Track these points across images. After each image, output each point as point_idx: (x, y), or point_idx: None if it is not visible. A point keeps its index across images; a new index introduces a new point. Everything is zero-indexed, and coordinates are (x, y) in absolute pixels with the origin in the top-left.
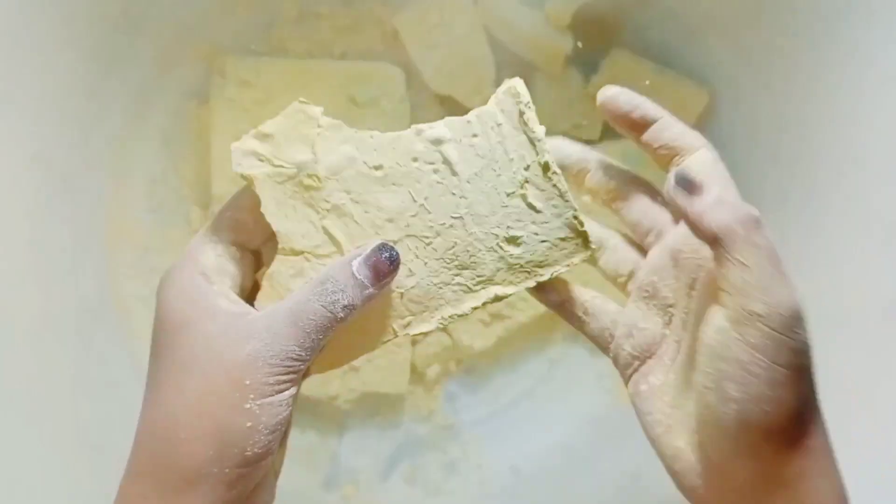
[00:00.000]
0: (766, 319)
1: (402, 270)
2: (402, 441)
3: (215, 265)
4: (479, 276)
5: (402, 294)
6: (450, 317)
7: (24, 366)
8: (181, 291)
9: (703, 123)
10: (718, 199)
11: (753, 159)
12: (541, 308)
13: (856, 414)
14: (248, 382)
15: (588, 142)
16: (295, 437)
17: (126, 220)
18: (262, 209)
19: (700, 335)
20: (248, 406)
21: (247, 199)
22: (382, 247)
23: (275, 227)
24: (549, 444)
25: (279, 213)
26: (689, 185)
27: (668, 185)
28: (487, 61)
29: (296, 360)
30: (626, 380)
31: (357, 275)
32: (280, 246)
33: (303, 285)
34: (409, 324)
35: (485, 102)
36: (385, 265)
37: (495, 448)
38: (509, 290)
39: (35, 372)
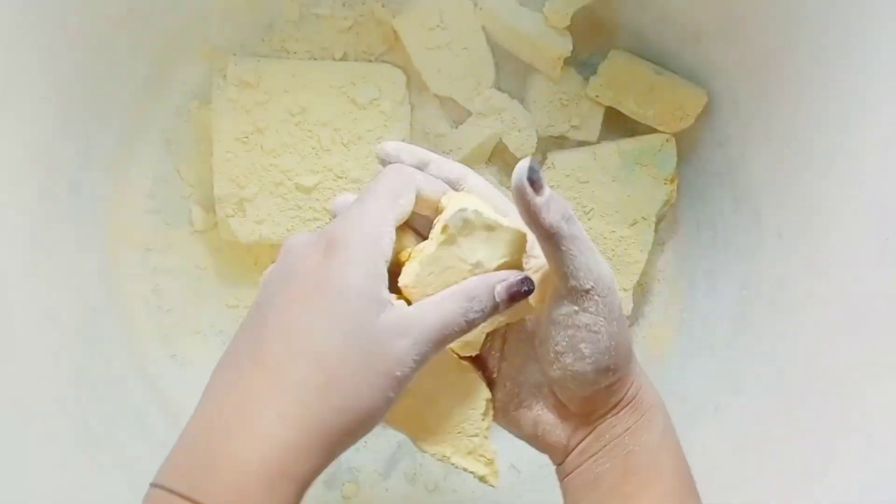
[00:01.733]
0: (596, 290)
1: (447, 392)
2: (402, 440)
3: (389, 250)
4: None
5: (437, 412)
6: (445, 456)
7: (26, 365)
8: (367, 274)
9: (702, 124)
10: (550, 198)
11: (751, 159)
12: None
13: (856, 414)
14: (398, 374)
15: (586, 143)
16: None
17: (128, 221)
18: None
19: (547, 315)
20: (391, 395)
21: (413, 195)
22: (525, 279)
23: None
24: None
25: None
26: (535, 184)
27: (519, 180)
28: (487, 62)
29: (424, 361)
30: None
31: (496, 297)
32: (447, 233)
33: (450, 294)
34: (423, 437)
35: (485, 102)
36: (520, 295)
37: (495, 447)
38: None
39: (36, 371)
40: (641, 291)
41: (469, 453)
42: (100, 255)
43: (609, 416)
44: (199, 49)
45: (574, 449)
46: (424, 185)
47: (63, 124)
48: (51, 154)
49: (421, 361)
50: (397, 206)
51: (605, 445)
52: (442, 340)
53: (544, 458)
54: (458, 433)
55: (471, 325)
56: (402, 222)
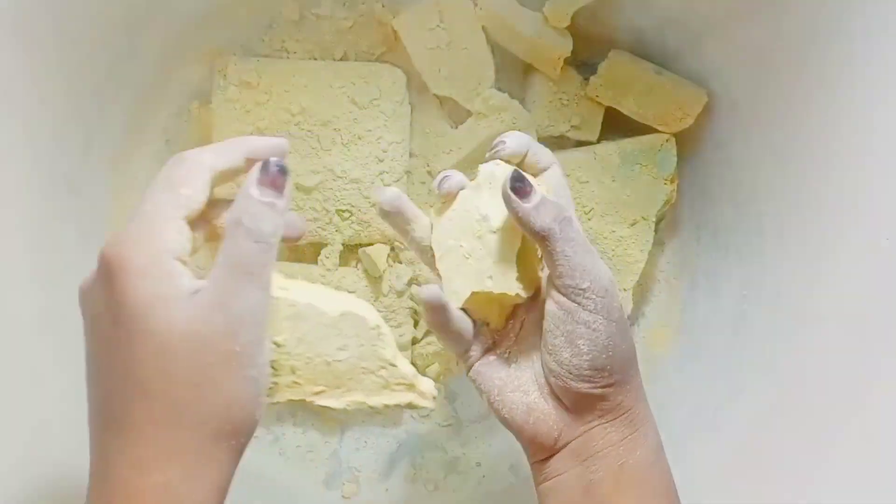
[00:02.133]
0: (593, 290)
1: (336, 341)
2: (402, 439)
3: (179, 245)
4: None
5: (328, 363)
6: (359, 402)
7: (25, 366)
8: (147, 275)
9: (702, 124)
10: (540, 203)
11: (752, 159)
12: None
13: (856, 415)
14: (236, 350)
15: (586, 143)
16: (296, 436)
17: (127, 220)
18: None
19: (549, 308)
20: (251, 373)
21: (204, 178)
22: (265, 165)
23: None
24: None
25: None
26: (519, 189)
27: (504, 189)
28: (487, 62)
29: (258, 304)
30: (468, 368)
31: (262, 198)
32: (476, 180)
33: (225, 239)
34: (319, 393)
35: (485, 102)
36: (278, 176)
37: (495, 447)
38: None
39: (36, 372)
40: (641, 292)
41: (384, 388)
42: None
43: (604, 421)
44: (200, 49)
45: (562, 448)
46: (218, 163)
47: (63, 124)
48: (51, 154)
49: (252, 313)
50: (180, 197)
51: (598, 452)
52: (250, 278)
53: None
54: (362, 373)
55: (264, 238)
56: (196, 213)
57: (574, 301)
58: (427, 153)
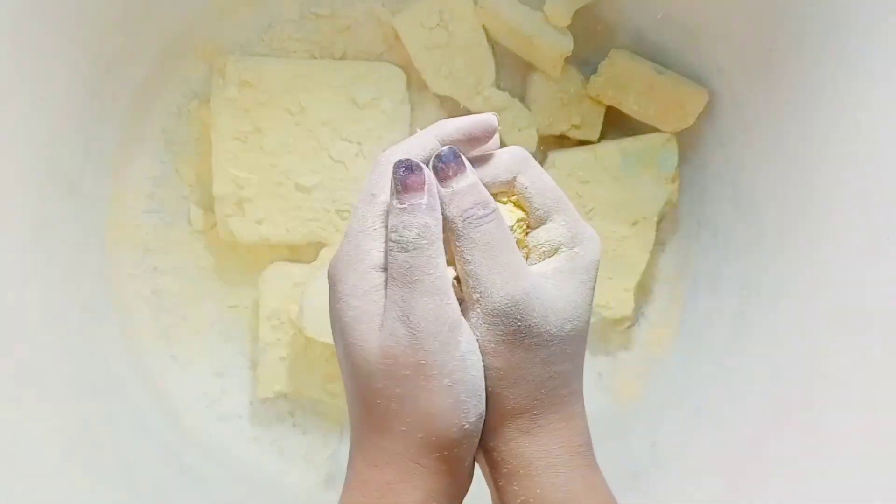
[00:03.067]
0: (484, 305)
1: None
2: None
3: (381, 259)
4: None
5: None
6: None
7: (25, 366)
8: (355, 293)
9: (703, 123)
10: (457, 191)
11: (753, 159)
12: None
13: (857, 414)
14: (422, 362)
15: (587, 142)
16: (295, 437)
17: (127, 221)
18: None
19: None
20: (444, 382)
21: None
22: (394, 171)
23: None
24: None
25: None
26: (439, 170)
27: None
28: (487, 61)
29: (439, 313)
30: None
31: (401, 205)
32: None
33: (386, 258)
34: None
35: (485, 101)
36: (410, 176)
37: None
38: None
39: (36, 372)
40: (642, 291)
41: None
42: (100, 255)
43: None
44: (199, 49)
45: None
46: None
47: (63, 124)
48: (51, 154)
49: (428, 321)
50: (377, 204)
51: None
52: (414, 289)
53: None
54: None
55: (409, 246)
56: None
57: (470, 308)
58: None
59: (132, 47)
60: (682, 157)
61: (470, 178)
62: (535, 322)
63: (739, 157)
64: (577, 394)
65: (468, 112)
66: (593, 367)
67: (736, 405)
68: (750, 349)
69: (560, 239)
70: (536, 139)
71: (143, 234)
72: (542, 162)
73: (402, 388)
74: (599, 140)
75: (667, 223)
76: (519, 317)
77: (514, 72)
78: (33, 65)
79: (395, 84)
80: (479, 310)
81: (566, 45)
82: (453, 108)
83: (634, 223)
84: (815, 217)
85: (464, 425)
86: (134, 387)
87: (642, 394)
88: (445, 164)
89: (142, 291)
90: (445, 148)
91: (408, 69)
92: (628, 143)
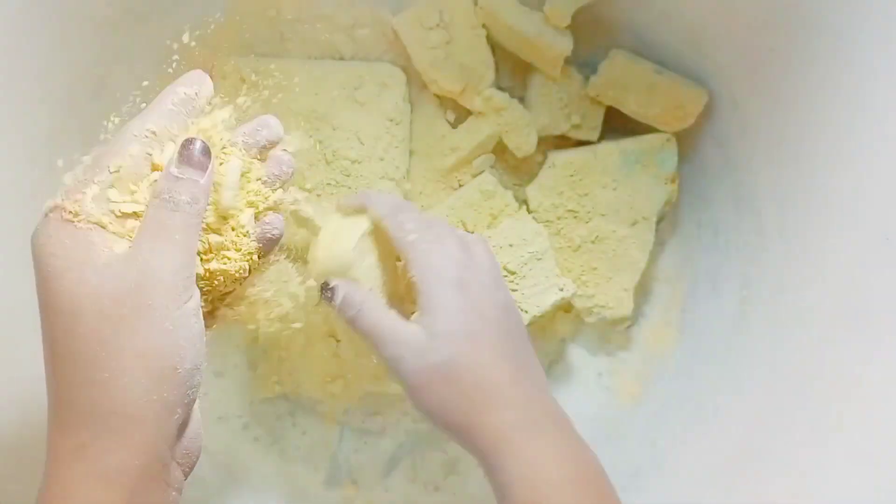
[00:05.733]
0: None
1: None
2: (402, 439)
3: (91, 206)
4: None
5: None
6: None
7: (25, 366)
8: (55, 241)
9: (703, 123)
10: (181, 177)
11: (752, 159)
12: (540, 308)
13: (857, 414)
14: (150, 303)
15: (586, 142)
16: (295, 436)
17: None
18: None
19: None
20: (166, 325)
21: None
22: (185, 145)
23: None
24: None
25: None
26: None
27: None
28: (487, 61)
29: (183, 268)
30: None
31: (182, 175)
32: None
33: (146, 212)
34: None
35: (485, 102)
36: (198, 156)
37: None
38: None
39: (36, 372)
40: (642, 291)
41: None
42: None
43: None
44: (200, 48)
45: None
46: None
47: (62, 124)
48: (50, 154)
49: (172, 272)
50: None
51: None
52: (168, 243)
53: None
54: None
55: (183, 208)
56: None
57: None
58: (427, 153)
59: (132, 47)
60: (682, 157)
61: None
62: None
63: (739, 157)
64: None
65: (468, 112)
66: (593, 367)
67: (736, 405)
68: (750, 349)
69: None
70: (536, 139)
71: None
72: (542, 162)
73: (110, 331)
74: (599, 140)
75: (667, 223)
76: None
77: (514, 72)
78: (33, 64)
79: (395, 84)
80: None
81: (566, 45)
82: (453, 109)
83: (634, 223)
84: (816, 216)
85: (177, 368)
86: None
87: (642, 394)
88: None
89: None
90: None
91: (408, 69)
92: (628, 143)
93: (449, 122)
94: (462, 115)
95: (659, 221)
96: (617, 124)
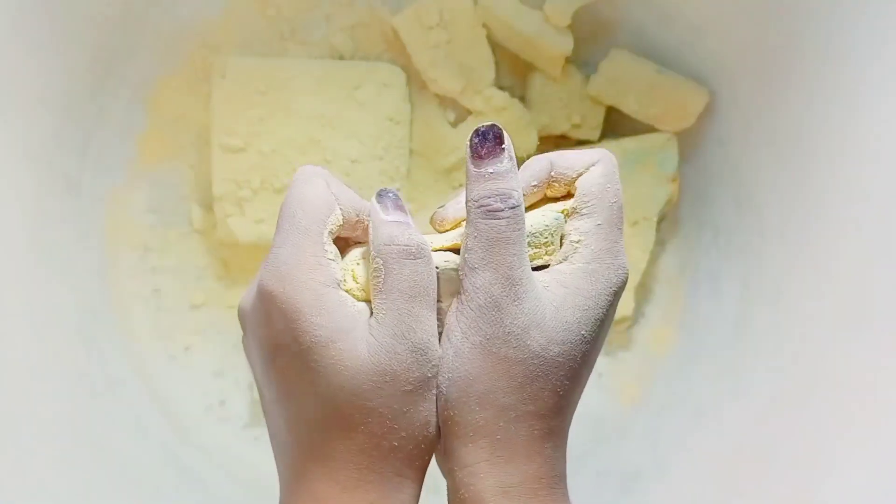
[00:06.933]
0: (467, 299)
1: None
2: None
3: (334, 272)
4: None
5: None
6: None
7: (24, 365)
8: (321, 311)
9: (704, 123)
10: (486, 174)
11: (753, 159)
12: None
13: (858, 414)
14: (430, 375)
15: (587, 142)
16: None
17: (126, 220)
18: None
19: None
20: (435, 393)
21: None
22: (381, 195)
23: None
24: None
25: None
26: (476, 152)
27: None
28: (487, 61)
29: (434, 327)
30: None
31: (393, 219)
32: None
33: (385, 268)
34: None
35: (485, 101)
36: (396, 201)
37: None
38: None
39: (35, 371)
40: (643, 291)
41: None
42: (99, 254)
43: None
44: (199, 48)
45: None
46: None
47: (62, 124)
48: (50, 154)
49: (434, 336)
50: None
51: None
52: (423, 305)
53: None
54: None
55: (420, 254)
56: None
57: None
58: (427, 153)
59: (132, 47)
60: (683, 157)
61: (504, 164)
62: (513, 331)
63: (739, 157)
64: (556, 436)
65: (468, 112)
66: (593, 367)
67: (736, 405)
68: (750, 349)
69: (580, 243)
70: (536, 139)
71: (142, 234)
72: None
73: (399, 407)
74: (600, 140)
75: (667, 223)
76: (497, 320)
77: (514, 72)
78: (32, 65)
79: (395, 84)
80: (463, 304)
81: (566, 44)
82: (453, 108)
83: (635, 223)
84: (816, 216)
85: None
86: (133, 387)
87: (642, 394)
88: (481, 143)
89: (141, 291)
90: (488, 124)
91: (408, 69)
92: (629, 142)
93: (449, 122)
94: (462, 114)
95: (659, 221)
96: (617, 124)
